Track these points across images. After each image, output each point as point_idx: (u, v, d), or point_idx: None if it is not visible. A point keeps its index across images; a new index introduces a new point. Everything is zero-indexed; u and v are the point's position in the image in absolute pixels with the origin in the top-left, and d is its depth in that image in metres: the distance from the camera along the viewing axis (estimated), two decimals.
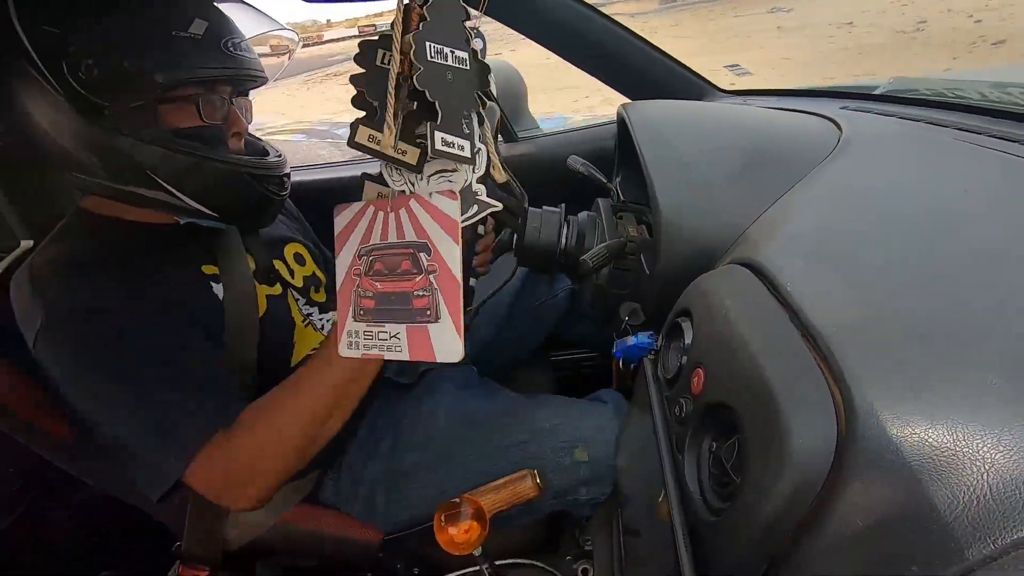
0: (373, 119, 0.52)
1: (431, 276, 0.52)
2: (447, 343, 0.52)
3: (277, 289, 0.82)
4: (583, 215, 0.86)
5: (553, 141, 1.36)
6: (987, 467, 0.31)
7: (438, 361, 0.53)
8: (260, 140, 0.79)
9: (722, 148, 0.78)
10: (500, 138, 1.32)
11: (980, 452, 0.31)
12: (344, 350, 0.58)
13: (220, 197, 0.69)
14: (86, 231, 0.71)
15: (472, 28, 0.52)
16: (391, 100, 0.50)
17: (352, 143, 0.53)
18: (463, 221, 0.53)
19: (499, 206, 0.55)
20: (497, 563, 0.65)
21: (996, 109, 0.77)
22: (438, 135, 0.50)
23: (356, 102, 0.54)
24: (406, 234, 0.53)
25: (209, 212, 0.69)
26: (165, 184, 0.65)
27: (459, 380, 0.93)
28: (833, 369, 0.40)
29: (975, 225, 0.51)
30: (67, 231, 0.72)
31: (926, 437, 0.33)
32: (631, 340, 0.68)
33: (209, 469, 0.63)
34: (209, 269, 0.74)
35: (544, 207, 0.84)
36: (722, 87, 1.23)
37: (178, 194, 0.66)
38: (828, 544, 0.37)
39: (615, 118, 0.99)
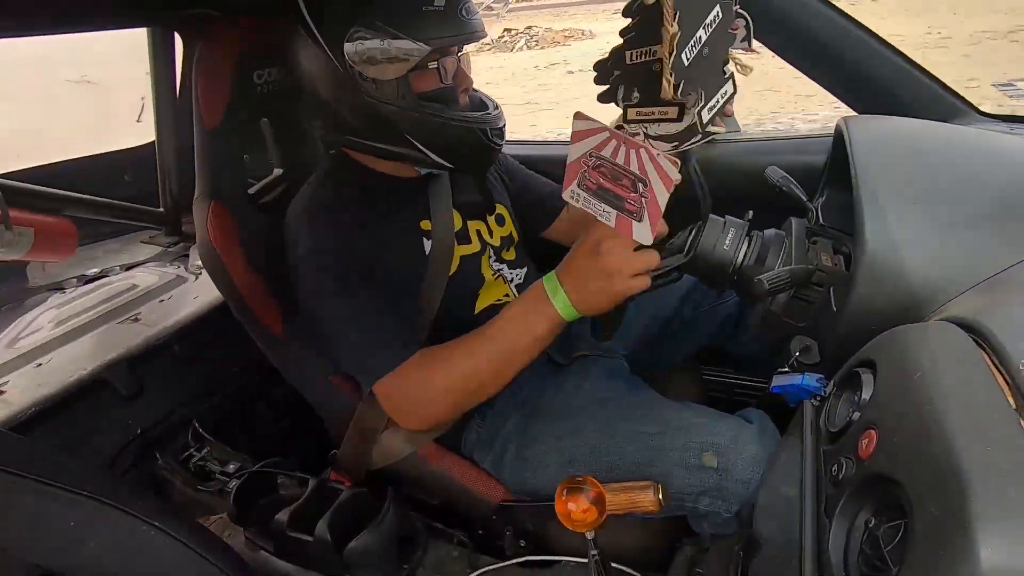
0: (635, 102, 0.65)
1: (643, 200, 0.66)
2: (643, 233, 0.67)
3: (474, 247, 0.92)
4: (770, 232, 0.78)
5: (753, 147, 1.25)
6: None
7: (634, 238, 0.66)
8: (477, 91, 0.89)
9: (966, 182, 0.66)
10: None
11: None
12: (568, 196, 0.71)
13: (458, 151, 0.81)
14: (344, 177, 0.88)
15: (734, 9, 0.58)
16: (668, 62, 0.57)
17: (625, 121, 0.66)
18: (689, 146, 0.63)
19: (723, 129, 0.66)
20: (609, 564, 0.64)
21: None
22: (704, 115, 0.60)
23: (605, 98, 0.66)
24: (631, 165, 0.66)
25: (447, 164, 0.82)
26: (417, 143, 0.78)
27: (608, 369, 0.96)
28: None
29: None
30: (330, 175, 0.89)
31: None
32: (797, 378, 0.61)
33: (392, 390, 0.79)
34: (425, 225, 0.87)
35: (728, 216, 0.79)
36: (983, 110, 1.02)
37: (425, 150, 0.79)
38: None
39: (832, 132, 0.88)
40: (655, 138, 0.64)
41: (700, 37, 0.56)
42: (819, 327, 0.71)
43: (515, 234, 1.01)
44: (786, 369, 0.68)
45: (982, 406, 0.39)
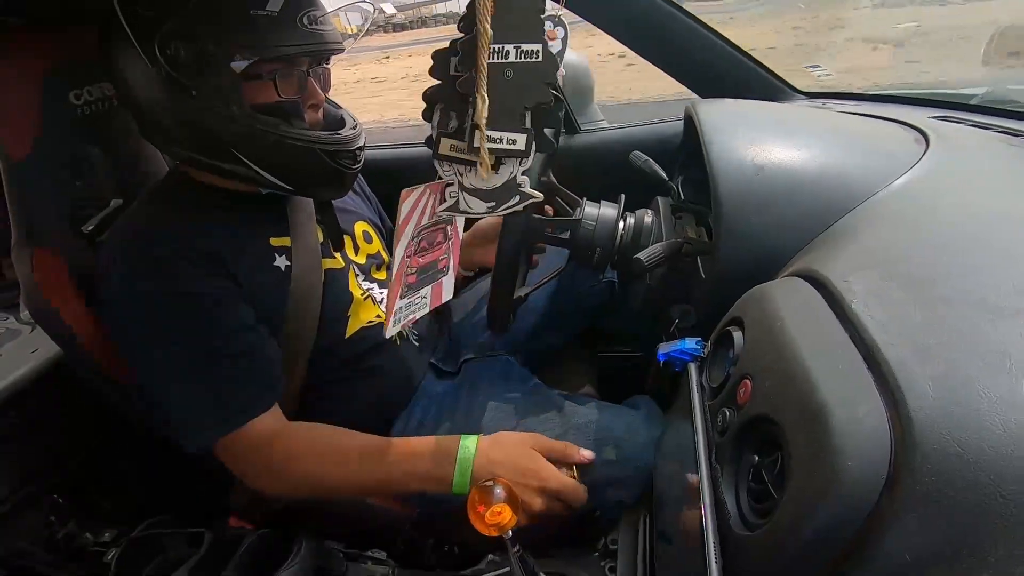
0: (452, 131, 0.57)
1: (449, 243, 0.67)
2: (448, 287, 0.69)
3: (339, 262, 0.85)
4: (640, 212, 0.84)
5: (616, 135, 1.34)
6: None
7: (443, 301, 0.69)
8: (340, 108, 0.83)
9: (795, 152, 0.75)
10: (563, 131, 1.31)
11: None
12: (391, 330, 0.66)
13: (295, 171, 0.74)
14: (175, 195, 0.78)
15: (554, 16, 0.53)
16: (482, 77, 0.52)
17: (437, 156, 0.58)
18: (505, 210, 0.59)
19: (540, 196, 0.60)
20: (526, 558, 0.65)
21: None
22: (521, 179, 0.57)
23: (427, 115, 0.58)
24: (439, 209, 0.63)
25: (285, 185, 0.74)
26: (245, 159, 0.70)
27: (500, 372, 0.95)
28: (895, 396, 0.38)
29: None
30: (158, 194, 0.79)
31: (987, 477, 0.31)
32: (678, 344, 0.66)
33: (248, 450, 0.72)
34: (277, 241, 0.79)
35: (603, 201, 0.84)
36: (801, 88, 1.17)
37: (257, 168, 0.71)
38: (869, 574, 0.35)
39: (682, 115, 0.97)
40: (471, 191, 0.59)
41: (507, 50, 0.52)
42: (692, 295, 0.78)
43: (384, 254, 0.95)
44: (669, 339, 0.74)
45: (828, 343, 0.45)
